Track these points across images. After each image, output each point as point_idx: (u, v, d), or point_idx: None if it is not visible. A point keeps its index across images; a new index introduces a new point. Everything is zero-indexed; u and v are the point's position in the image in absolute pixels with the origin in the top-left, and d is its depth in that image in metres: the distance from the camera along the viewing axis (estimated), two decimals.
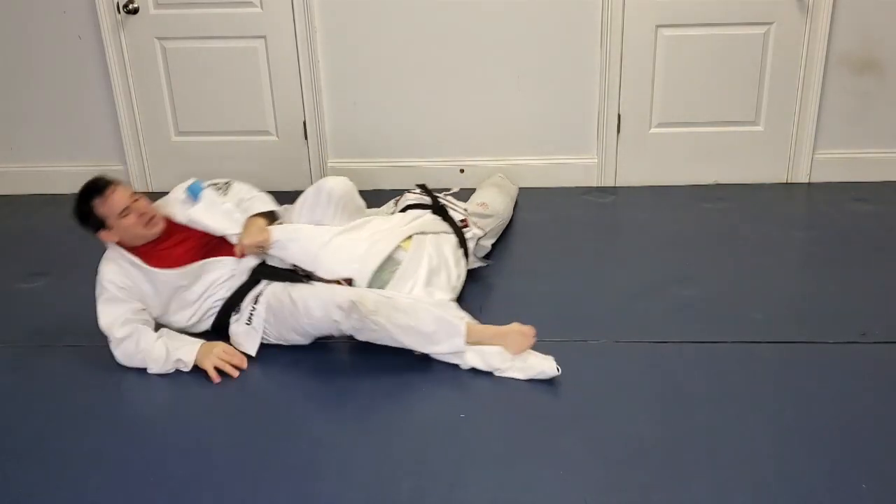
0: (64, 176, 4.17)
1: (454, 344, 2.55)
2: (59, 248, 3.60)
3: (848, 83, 3.83)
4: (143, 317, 2.71)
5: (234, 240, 2.78)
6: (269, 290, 2.72)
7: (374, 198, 3.34)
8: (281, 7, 3.81)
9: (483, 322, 2.76)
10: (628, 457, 2.18)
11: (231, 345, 2.70)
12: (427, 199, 3.10)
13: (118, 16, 3.86)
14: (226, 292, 2.76)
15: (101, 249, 3.54)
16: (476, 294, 3.06)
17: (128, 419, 2.45)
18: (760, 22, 3.74)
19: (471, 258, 3.06)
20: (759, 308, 2.87)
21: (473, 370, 2.56)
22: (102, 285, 2.71)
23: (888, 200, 3.76)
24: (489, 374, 2.54)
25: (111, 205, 2.69)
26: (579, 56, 3.84)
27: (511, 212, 3.61)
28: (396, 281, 2.67)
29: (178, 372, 2.64)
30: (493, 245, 3.42)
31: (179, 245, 2.79)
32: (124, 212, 2.68)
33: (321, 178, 4.07)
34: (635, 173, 4.01)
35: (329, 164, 4.08)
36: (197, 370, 2.61)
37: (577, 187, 4.02)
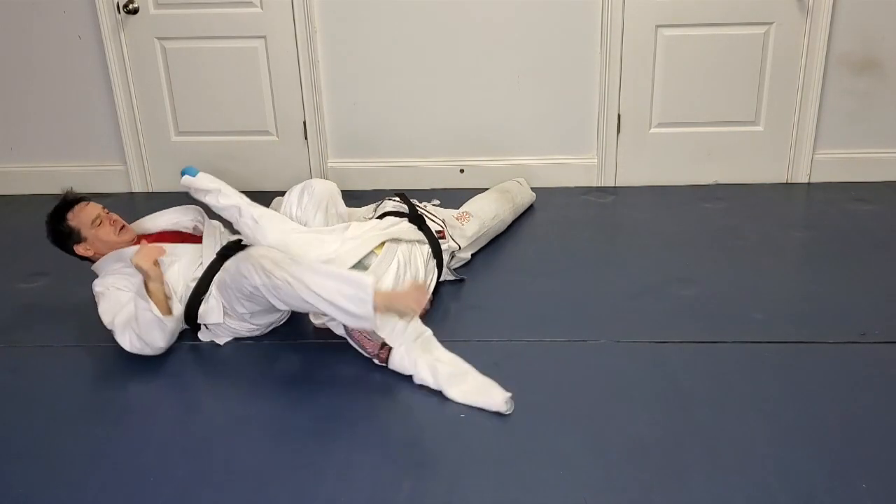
0: (64, 176, 4.17)
1: (361, 301, 2.42)
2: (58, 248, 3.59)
3: (848, 83, 3.83)
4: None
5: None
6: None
7: (375, 197, 3.35)
8: (281, 7, 3.81)
9: (482, 322, 2.76)
10: (628, 456, 2.19)
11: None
12: (405, 208, 3.09)
13: (118, 16, 3.86)
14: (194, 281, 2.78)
15: None
16: (476, 294, 3.06)
17: (128, 419, 2.45)
18: (760, 22, 3.74)
19: (444, 270, 3.04)
20: (759, 308, 2.87)
21: None
22: (100, 291, 2.75)
23: (888, 200, 3.77)
24: (489, 374, 2.53)
25: (84, 216, 2.81)
26: (579, 56, 3.84)
27: (509, 219, 3.56)
28: None
29: (179, 372, 2.65)
30: (491, 245, 3.42)
31: (172, 240, 2.88)
32: (97, 220, 2.80)
33: (322, 177, 4.09)
34: (635, 173, 4.01)
35: (329, 164, 4.08)
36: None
37: (577, 187, 4.02)
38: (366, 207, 3.29)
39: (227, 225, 2.92)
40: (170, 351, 2.75)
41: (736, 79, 3.83)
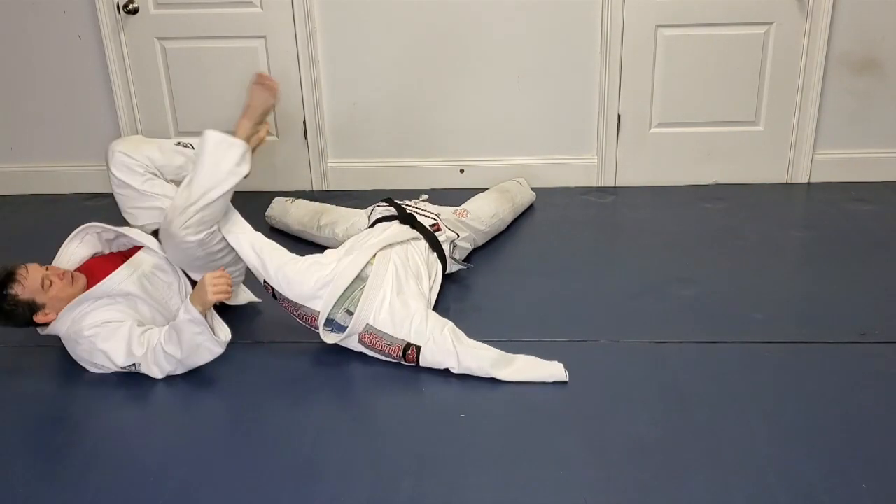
0: (64, 176, 4.18)
1: (232, 147, 2.59)
2: (58, 248, 3.59)
3: (848, 83, 3.83)
4: (147, 328, 2.63)
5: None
6: None
7: (375, 197, 3.35)
8: (281, 7, 3.81)
9: (482, 322, 2.76)
10: (628, 456, 2.19)
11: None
12: (394, 210, 3.09)
13: (118, 16, 3.86)
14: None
15: None
16: (475, 294, 3.06)
17: (128, 419, 2.45)
18: (760, 22, 3.74)
19: (448, 261, 3.04)
20: (759, 308, 2.87)
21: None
22: (90, 335, 2.56)
23: (888, 200, 3.77)
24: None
25: (31, 282, 2.55)
26: (579, 56, 3.84)
27: (508, 218, 3.57)
28: (365, 297, 2.62)
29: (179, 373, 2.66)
30: (491, 245, 3.42)
31: (108, 265, 2.72)
32: (45, 282, 2.57)
33: (321, 178, 4.10)
34: (635, 173, 4.01)
35: (329, 164, 4.08)
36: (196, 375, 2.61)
37: (577, 187, 4.02)
38: (361, 213, 3.28)
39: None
40: None
41: (736, 79, 3.83)
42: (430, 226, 3.04)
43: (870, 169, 3.95)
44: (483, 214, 3.38)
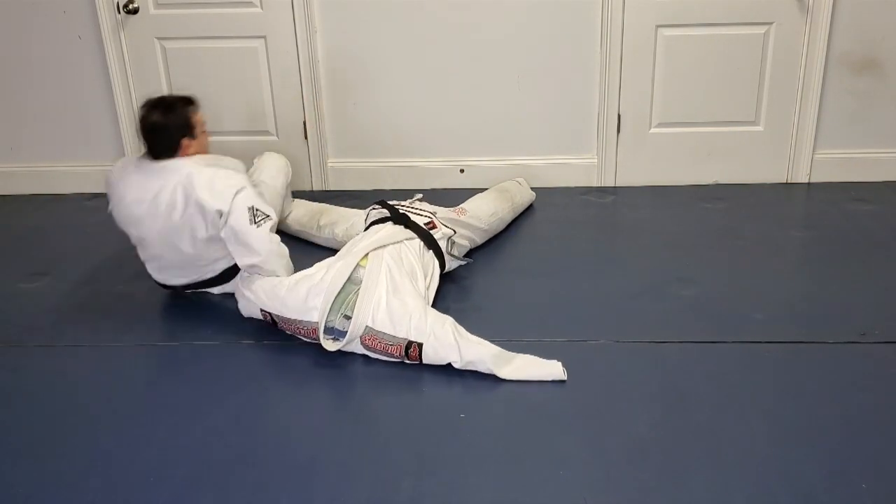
0: (64, 176, 4.18)
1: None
2: (59, 248, 3.60)
3: (848, 83, 3.83)
4: None
5: None
6: None
7: (375, 197, 3.34)
8: (281, 7, 3.81)
9: (482, 322, 2.76)
10: (628, 456, 2.19)
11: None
12: (387, 212, 3.09)
13: (118, 16, 3.86)
14: None
15: (102, 249, 3.54)
16: (475, 294, 3.06)
17: (128, 419, 2.45)
18: (760, 22, 3.74)
19: (447, 258, 3.04)
20: (759, 308, 2.87)
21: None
22: (245, 179, 2.89)
23: (888, 200, 3.77)
24: (489, 374, 2.53)
25: (199, 118, 2.94)
26: (579, 56, 3.84)
27: (508, 218, 3.57)
28: (360, 300, 2.63)
29: (178, 372, 2.66)
30: (491, 245, 3.42)
31: None
32: (204, 126, 2.95)
33: (321, 178, 4.10)
34: (635, 173, 4.01)
35: (329, 164, 4.08)
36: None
37: (577, 187, 4.02)
38: (361, 213, 3.29)
39: None
40: (170, 351, 2.77)
41: (736, 79, 3.83)
42: (424, 224, 3.04)
43: (870, 169, 3.95)
44: (482, 213, 3.38)
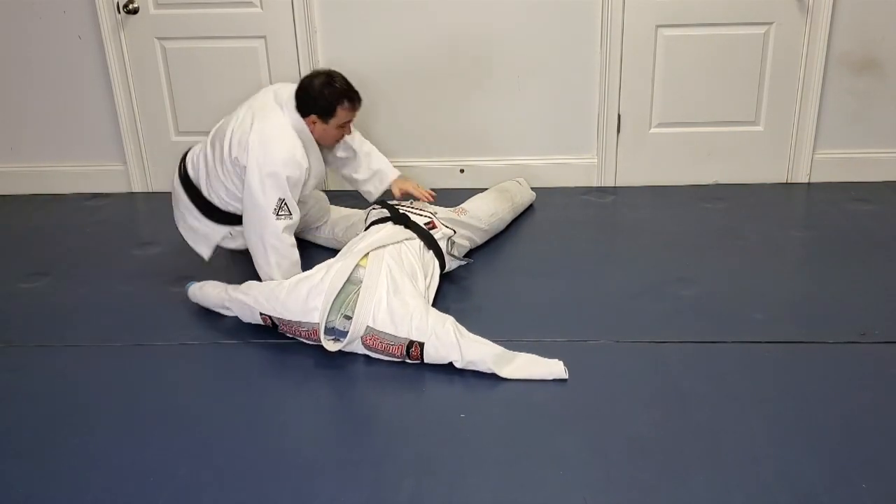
0: (64, 176, 4.17)
1: None
2: (59, 248, 3.60)
3: (848, 83, 3.83)
4: None
5: None
6: None
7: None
8: (281, 7, 3.81)
9: (482, 322, 2.76)
10: (628, 456, 2.19)
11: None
12: (387, 213, 3.09)
13: (118, 16, 3.86)
14: None
15: (102, 250, 3.55)
16: (475, 294, 3.06)
17: (128, 419, 2.45)
18: (760, 22, 3.74)
19: (447, 258, 3.04)
20: (759, 308, 2.87)
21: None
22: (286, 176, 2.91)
23: (888, 200, 3.77)
24: (489, 374, 2.53)
25: (345, 115, 2.95)
26: (579, 56, 3.84)
27: (508, 218, 3.56)
28: (361, 299, 2.62)
29: (178, 372, 2.66)
30: (491, 245, 3.42)
31: None
32: (344, 126, 3.00)
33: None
34: (635, 173, 4.01)
35: None
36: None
37: (577, 187, 4.02)
38: (361, 213, 3.29)
39: None
40: (170, 350, 2.77)
41: (736, 79, 3.83)
42: (424, 224, 3.04)
43: (870, 169, 3.95)
44: (482, 213, 3.39)
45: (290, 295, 2.70)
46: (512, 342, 2.65)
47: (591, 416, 2.35)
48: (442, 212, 3.21)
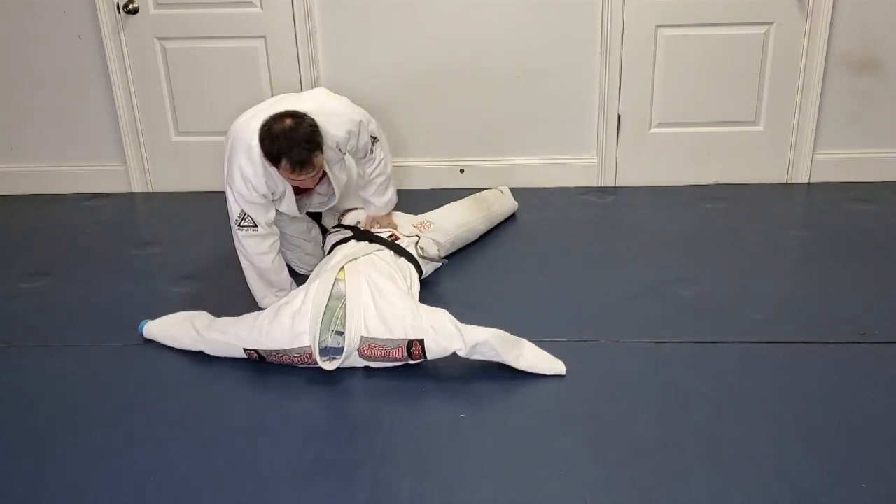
0: (64, 176, 4.17)
1: None
2: (59, 248, 3.60)
3: (848, 83, 3.83)
4: None
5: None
6: None
7: None
8: (281, 7, 3.81)
9: (481, 322, 2.76)
10: (628, 456, 2.19)
11: None
12: (348, 232, 3.08)
13: (118, 16, 3.86)
14: None
15: (102, 250, 3.55)
16: (475, 294, 3.06)
17: (128, 419, 2.45)
18: (760, 22, 3.74)
19: (421, 262, 3.02)
20: (759, 308, 2.88)
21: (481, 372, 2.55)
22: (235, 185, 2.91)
23: (888, 200, 3.77)
24: (489, 374, 2.53)
25: (285, 174, 2.77)
26: (579, 56, 3.84)
27: (481, 228, 3.47)
28: (349, 312, 2.58)
29: (179, 373, 2.66)
30: (491, 245, 3.42)
31: None
32: (295, 179, 2.80)
33: None
34: (635, 173, 4.01)
35: None
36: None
37: (577, 187, 4.02)
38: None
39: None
40: (170, 350, 2.78)
41: (736, 79, 3.83)
42: (387, 237, 3.05)
43: (870, 169, 3.94)
44: (448, 225, 3.31)
45: (273, 324, 2.61)
46: None
47: (591, 416, 2.35)
48: (404, 227, 3.20)
